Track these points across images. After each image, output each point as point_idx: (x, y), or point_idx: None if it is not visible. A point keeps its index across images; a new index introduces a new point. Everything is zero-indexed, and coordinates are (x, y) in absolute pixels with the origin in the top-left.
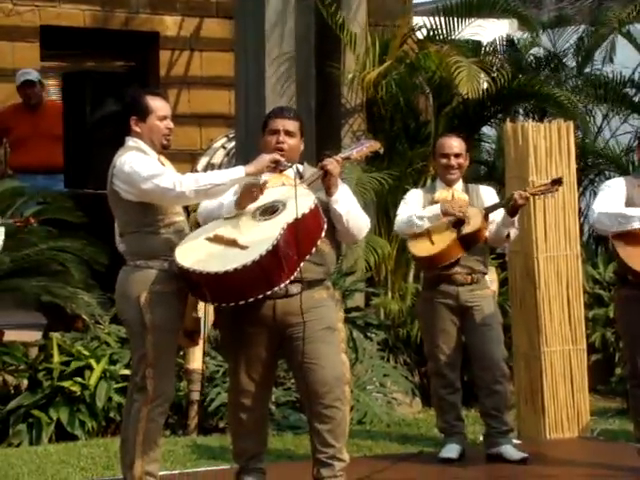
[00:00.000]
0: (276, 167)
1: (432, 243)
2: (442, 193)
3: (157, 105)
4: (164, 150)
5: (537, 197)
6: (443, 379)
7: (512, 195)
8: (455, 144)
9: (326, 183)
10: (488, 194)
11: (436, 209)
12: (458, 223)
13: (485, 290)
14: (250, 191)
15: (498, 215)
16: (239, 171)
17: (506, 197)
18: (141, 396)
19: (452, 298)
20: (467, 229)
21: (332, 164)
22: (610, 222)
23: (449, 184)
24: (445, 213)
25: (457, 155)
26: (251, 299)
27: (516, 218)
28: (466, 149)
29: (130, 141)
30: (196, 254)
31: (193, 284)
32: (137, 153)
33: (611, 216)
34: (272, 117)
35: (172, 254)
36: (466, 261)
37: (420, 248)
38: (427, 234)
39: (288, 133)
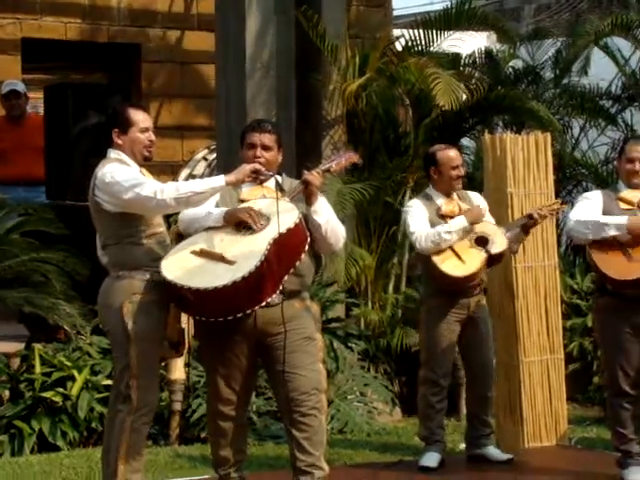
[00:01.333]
0: (257, 177)
1: (463, 262)
2: (447, 204)
3: (139, 117)
4: (146, 162)
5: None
6: (437, 386)
7: (531, 215)
8: (458, 155)
9: (306, 193)
10: (477, 198)
11: (462, 222)
12: (480, 240)
13: (484, 299)
14: (247, 214)
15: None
16: (219, 180)
17: (522, 216)
18: (125, 406)
19: (465, 309)
20: (496, 249)
21: (312, 175)
22: (586, 230)
23: (449, 194)
24: (472, 223)
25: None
26: (239, 314)
27: None
28: None
29: (112, 153)
30: (183, 268)
31: (179, 298)
32: (118, 164)
33: (587, 224)
34: (249, 131)
35: (155, 265)
36: None
37: (453, 268)
38: (452, 251)
39: (265, 147)
